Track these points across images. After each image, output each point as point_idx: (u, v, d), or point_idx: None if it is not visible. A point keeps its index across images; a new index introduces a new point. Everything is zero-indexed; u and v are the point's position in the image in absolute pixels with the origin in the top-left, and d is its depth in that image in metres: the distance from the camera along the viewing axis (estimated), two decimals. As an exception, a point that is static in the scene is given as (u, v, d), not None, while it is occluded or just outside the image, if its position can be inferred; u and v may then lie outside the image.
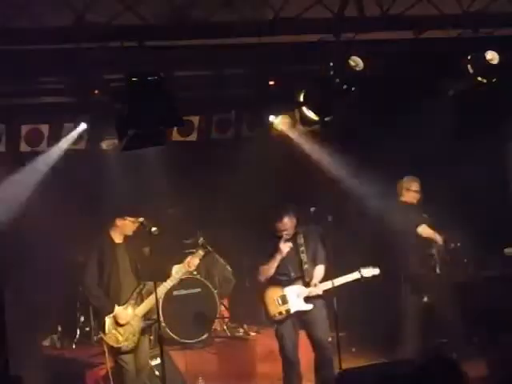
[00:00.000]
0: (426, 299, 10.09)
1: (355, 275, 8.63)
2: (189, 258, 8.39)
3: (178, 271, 8.33)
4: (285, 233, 8.46)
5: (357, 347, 10.32)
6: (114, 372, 8.23)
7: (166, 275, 8.26)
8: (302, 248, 8.50)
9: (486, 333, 9.47)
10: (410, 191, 9.80)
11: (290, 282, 8.54)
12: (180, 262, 8.42)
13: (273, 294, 8.54)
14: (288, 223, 8.45)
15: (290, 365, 8.58)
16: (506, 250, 10.29)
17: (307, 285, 8.51)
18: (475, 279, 10.27)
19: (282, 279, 8.56)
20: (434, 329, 9.78)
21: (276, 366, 9.52)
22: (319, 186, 10.43)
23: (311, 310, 8.49)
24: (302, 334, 8.69)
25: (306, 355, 8.82)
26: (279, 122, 9.90)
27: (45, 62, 7.32)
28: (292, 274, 8.55)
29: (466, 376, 4.53)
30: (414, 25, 7.68)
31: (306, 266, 8.51)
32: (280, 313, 8.48)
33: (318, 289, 8.49)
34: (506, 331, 8.94)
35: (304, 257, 8.51)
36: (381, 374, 5.88)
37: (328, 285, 8.49)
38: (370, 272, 8.70)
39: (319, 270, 8.59)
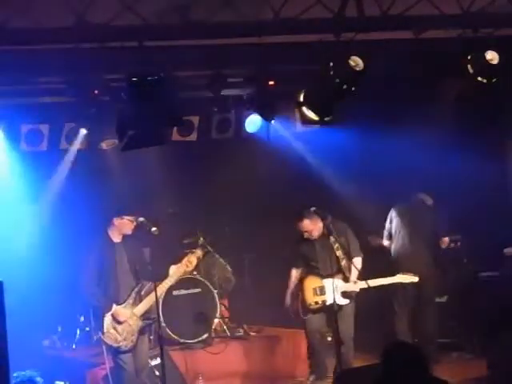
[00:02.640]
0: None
1: (395, 279, 8.72)
2: (186, 258, 8.41)
3: (175, 271, 8.34)
4: (312, 233, 8.67)
5: (357, 347, 10.32)
6: (114, 372, 8.23)
7: (165, 275, 8.28)
8: (336, 245, 8.60)
9: (486, 333, 9.47)
10: None
11: (330, 275, 8.63)
12: (178, 261, 8.43)
13: (311, 283, 8.75)
14: (309, 225, 8.60)
15: (317, 354, 8.75)
16: (506, 250, 10.29)
17: (346, 280, 8.60)
18: (475, 279, 10.27)
19: (319, 273, 8.71)
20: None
21: (276, 365, 9.54)
22: (319, 186, 10.43)
23: (345, 305, 8.57)
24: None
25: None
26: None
27: (45, 62, 7.32)
28: (328, 269, 8.64)
29: (425, 359, 4.58)
30: (413, 25, 7.67)
31: (343, 262, 8.62)
32: (316, 302, 8.65)
33: (357, 286, 8.58)
34: (506, 331, 8.94)
35: (340, 253, 8.60)
36: (380, 374, 5.88)
37: (364, 284, 8.60)
38: (408, 278, 8.78)
39: (357, 262, 8.76)
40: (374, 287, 8.62)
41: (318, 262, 8.76)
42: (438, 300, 10.32)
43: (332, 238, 8.61)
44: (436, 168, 10.48)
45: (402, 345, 4.75)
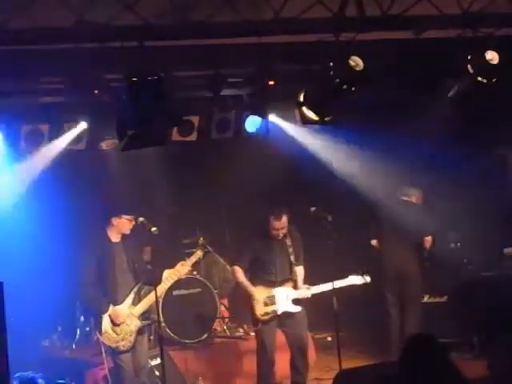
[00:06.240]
0: (425, 299, 10.15)
1: (346, 281, 8.67)
2: (179, 265, 8.41)
3: (167, 277, 8.35)
4: (281, 232, 8.48)
5: (357, 347, 10.32)
6: (113, 372, 8.23)
7: (160, 279, 8.28)
8: (291, 249, 8.55)
9: (486, 333, 9.48)
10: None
11: (280, 283, 8.55)
12: (172, 266, 8.44)
13: (261, 294, 8.59)
14: (285, 222, 8.52)
15: (267, 365, 8.59)
16: (506, 250, 10.30)
17: (295, 287, 8.54)
18: (475, 279, 10.28)
19: (270, 279, 8.57)
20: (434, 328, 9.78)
21: (276, 365, 9.52)
22: (319, 186, 10.43)
23: (296, 312, 8.54)
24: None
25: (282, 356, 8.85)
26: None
27: (45, 62, 7.32)
28: (280, 275, 8.57)
29: (444, 347, 4.60)
30: (414, 25, 7.67)
31: (294, 268, 8.57)
32: (266, 313, 8.52)
33: (309, 292, 8.54)
34: (506, 331, 8.94)
35: (292, 258, 8.56)
36: (379, 374, 5.88)
37: (322, 288, 8.53)
38: (360, 280, 8.73)
39: (301, 271, 8.63)
40: (329, 291, 8.54)
41: (276, 266, 8.61)
42: (438, 300, 10.34)
43: (288, 241, 8.56)
44: (435, 168, 10.48)
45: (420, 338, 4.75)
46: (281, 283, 8.57)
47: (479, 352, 9.53)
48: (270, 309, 8.54)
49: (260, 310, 8.56)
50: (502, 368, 7.23)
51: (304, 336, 8.71)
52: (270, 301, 8.54)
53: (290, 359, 8.71)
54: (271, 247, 8.63)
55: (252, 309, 8.60)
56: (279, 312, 8.52)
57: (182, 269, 8.43)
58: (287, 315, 8.56)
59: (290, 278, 8.59)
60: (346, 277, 8.69)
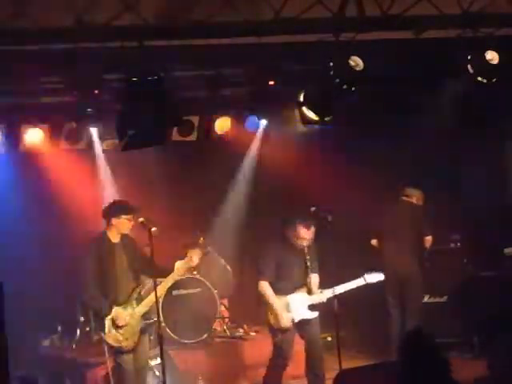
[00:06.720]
0: (425, 299, 10.16)
1: (361, 281, 8.62)
2: (190, 254, 8.38)
3: (180, 267, 8.32)
4: (307, 241, 8.44)
5: (357, 347, 10.32)
6: (114, 372, 8.23)
7: (168, 271, 8.25)
8: (308, 256, 8.47)
9: (486, 333, 9.48)
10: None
11: (294, 290, 8.50)
12: (172, 266, 8.42)
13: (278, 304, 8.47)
14: (314, 232, 8.42)
15: (280, 368, 8.50)
16: (506, 250, 10.30)
17: (310, 292, 8.49)
18: (475, 279, 10.28)
19: (285, 287, 8.51)
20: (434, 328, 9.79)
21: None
22: (319, 186, 10.43)
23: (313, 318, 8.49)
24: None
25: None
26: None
27: (45, 62, 7.33)
28: (297, 282, 8.50)
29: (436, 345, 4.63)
30: (413, 25, 7.68)
31: (310, 275, 8.49)
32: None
33: (324, 296, 8.46)
34: (506, 331, 8.95)
35: (309, 265, 8.48)
36: (379, 374, 5.88)
37: (331, 293, 8.45)
38: (374, 278, 8.68)
39: (315, 279, 8.58)
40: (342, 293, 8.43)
41: (293, 273, 8.48)
42: (438, 300, 10.35)
43: (306, 248, 8.44)
44: (435, 168, 10.49)
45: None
46: (294, 290, 8.48)
47: (479, 352, 9.54)
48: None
49: (277, 319, 8.50)
50: (502, 368, 7.24)
51: (319, 338, 8.61)
52: (286, 309, 8.42)
53: (306, 361, 8.62)
54: (291, 254, 8.48)
55: (269, 319, 8.48)
56: (296, 320, 8.39)
57: (195, 256, 8.35)
58: (304, 321, 8.48)
59: (304, 284, 8.50)
60: (359, 276, 8.64)
